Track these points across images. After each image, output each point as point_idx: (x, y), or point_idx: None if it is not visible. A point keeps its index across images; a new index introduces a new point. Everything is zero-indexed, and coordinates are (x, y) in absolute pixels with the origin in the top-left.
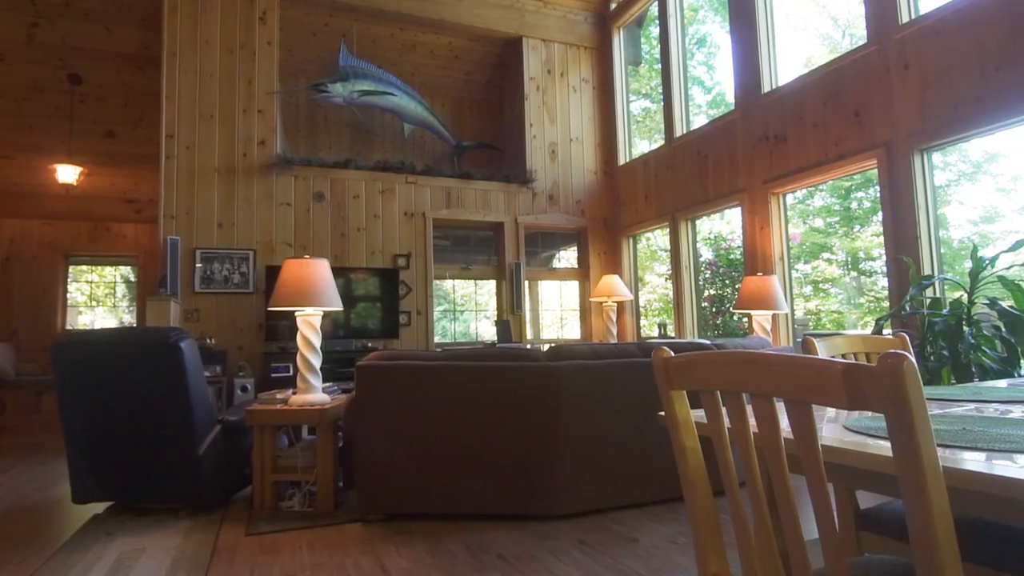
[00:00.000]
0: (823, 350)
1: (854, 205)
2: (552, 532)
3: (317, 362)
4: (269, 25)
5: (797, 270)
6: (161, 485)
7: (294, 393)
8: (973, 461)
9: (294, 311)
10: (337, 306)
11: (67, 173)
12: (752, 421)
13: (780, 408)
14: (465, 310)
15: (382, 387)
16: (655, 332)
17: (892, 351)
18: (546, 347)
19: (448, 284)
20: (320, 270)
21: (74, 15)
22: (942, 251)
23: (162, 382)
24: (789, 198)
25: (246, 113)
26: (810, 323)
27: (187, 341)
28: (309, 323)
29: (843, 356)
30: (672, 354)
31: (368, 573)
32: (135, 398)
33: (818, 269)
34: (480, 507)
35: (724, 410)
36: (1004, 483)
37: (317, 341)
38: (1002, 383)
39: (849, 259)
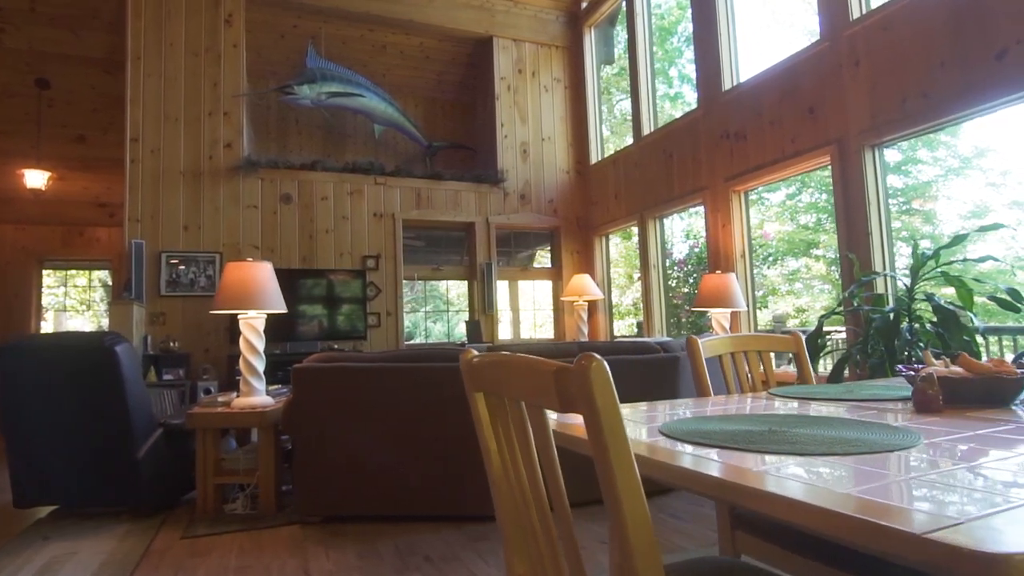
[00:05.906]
0: (704, 350)
1: None
2: (487, 533)
3: (260, 365)
4: (235, 28)
5: (785, 267)
6: (100, 489)
7: (237, 396)
8: (711, 461)
9: (237, 314)
10: (280, 308)
11: (35, 178)
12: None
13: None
14: (451, 310)
15: (318, 389)
16: (634, 330)
17: (587, 353)
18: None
19: (442, 285)
20: (262, 273)
21: (40, 20)
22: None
23: (99, 386)
24: (780, 195)
25: (212, 116)
26: (787, 321)
27: (123, 346)
28: (251, 326)
29: (731, 355)
30: (475, 355)
31: None
32: (72, 402)
33: (809, 267)
34: (418, 508)
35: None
36: (697, 478)
37: (260, 344)
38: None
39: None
